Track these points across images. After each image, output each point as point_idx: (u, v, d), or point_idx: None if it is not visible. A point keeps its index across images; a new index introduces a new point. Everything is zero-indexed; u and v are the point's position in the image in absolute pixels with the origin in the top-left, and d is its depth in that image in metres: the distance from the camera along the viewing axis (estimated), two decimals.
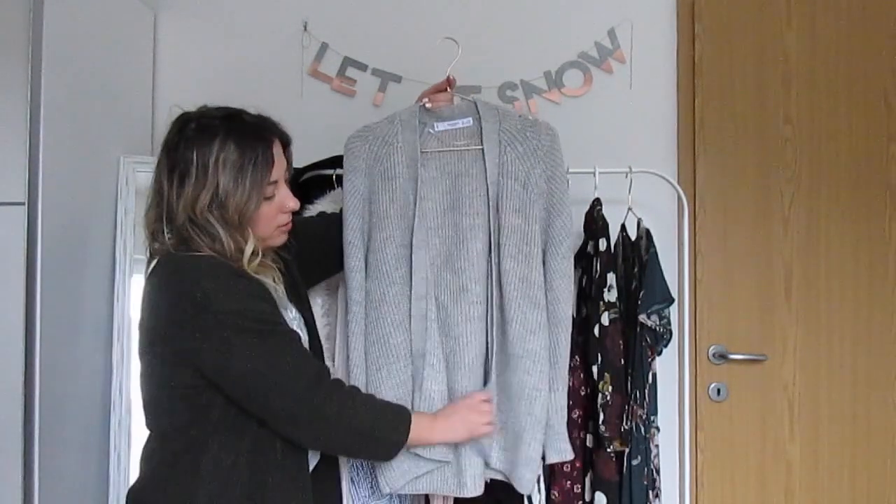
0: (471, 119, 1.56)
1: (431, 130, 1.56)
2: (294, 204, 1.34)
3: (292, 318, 1.39)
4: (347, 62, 2.17)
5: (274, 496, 1.25)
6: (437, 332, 1.48)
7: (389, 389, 1.46)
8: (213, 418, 1.24)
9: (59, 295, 1.67)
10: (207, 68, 2.19)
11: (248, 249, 1.25)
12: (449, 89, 1.60)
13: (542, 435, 1.46)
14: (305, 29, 2.18)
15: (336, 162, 1.89)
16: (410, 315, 1.48)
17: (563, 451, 1.52)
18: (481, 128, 1.54)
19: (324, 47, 2.17)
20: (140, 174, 1.91)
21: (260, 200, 1.26)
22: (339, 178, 1.85)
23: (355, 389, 1.36)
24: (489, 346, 1.50)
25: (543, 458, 1.50)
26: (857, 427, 2.07)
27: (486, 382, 1.49)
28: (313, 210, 1.79)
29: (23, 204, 1.59)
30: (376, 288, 1.49)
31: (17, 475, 1.57)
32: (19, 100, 1.59)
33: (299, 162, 1.84)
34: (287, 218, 1.35)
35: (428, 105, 1.57)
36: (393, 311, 1.48)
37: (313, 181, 1.85)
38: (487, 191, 1.52)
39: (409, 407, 1.44)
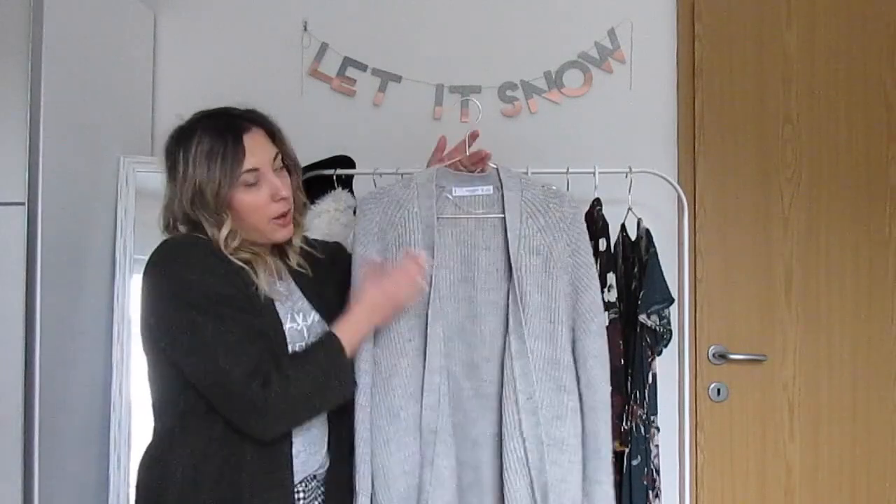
0: (491, 187, 1.50)
1: (449, 196, 1.49)
2: (285, 192, 1.31)
3: (307, 322, 1.37)
4: (347, 62, 2.17)
5: (247, 486, 1.23)
6: (448, 406, 1.42)
7: (397, 463, 1.40)
8: (188, 401, 1.24)
9: (59, 295, 1.67)
10: (207, 68, 2.19)
11: (224, 232, 1.27)
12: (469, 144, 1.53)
13: None
14: (305, 29, 2.18)
15: (336, 162, 1.89)
16: (423, 388, 1.41)
17: None
18: (503, 195, 1.48)
19: (324, 47, 2.17)
20: (140, 174, 1.91)
21: (232, 184, 1.26)
22: (340, 178, 1.86)
23: (284, 371, 1.22)
24: (518, 436, 1.40)
25: None
26: (857, 427, 2.07)
27: (517, 479, 1.40)
28: (316, 209, 1.80)
29: (23, 204, 1.59)
30: (387, 359, 1.42)
31: (17, 475, 1.57)
32: (19, 100, 1.59)
33: (299, 162, 1.84)
34: (281, 208, 1.32)
35: (462, 168, 1.50)
36: (405, 383, 1.41)
37: (313, 181, 1.85)
38: (508, 264, 1.45)
39: (419, 482, 1.40)
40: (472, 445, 1.44)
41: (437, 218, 1.47)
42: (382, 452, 1.40)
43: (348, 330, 1.31)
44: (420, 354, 1.43)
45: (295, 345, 1.31)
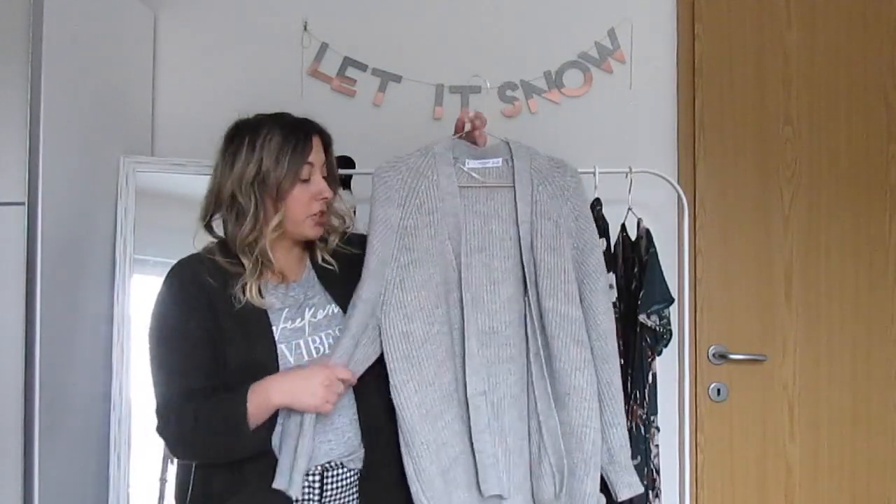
0: (500, 160, 1.55)
1: (462, 167, 1.55)
2: (328, 193, 1.41)
3: (316, 318, 1.41)
4: (347, 62, 2.17)
5: (250, 480, 1.31)
6: (484, 372, 1.48)
7: (438, 433, 1.41)
8: None
9: (59, 295, 1.67)
10: (207, 68, 2.20)
11: (276, 220, 1.36)
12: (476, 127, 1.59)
13: (596, 472, 1.45)
14: (305, 29, 2.18)
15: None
16: (465, 353, 1.46)
17: (632, 485, 1.50)
18: (513, 167, 1.54)
19: (324, 47, 2.17)
20: (140, 174, 1.91)
21: (296, 180, 1.37)
22: (340, 178, 1.86)
23: (187, 415, 1.28)
24: (530, 385, 1.49)
25: (609, 494, 1.50)
26: (857, 427, 2.07)
27: (530, 422, 1.49)
28: None
29: (23, 204, 1.59)
30: (419, 328, 1.43)
31: (18, 475, 1.57)
32: (19, 100, 1.59)
33: None
34: (320, 206, 1.41)
35: (461, 135, 1.56)
36: (438, 350, 1.44)
37: None
38: (518, 231, 1.51)
39: (471, 444, 1.44)
40: (498, 411, 1.48)
41: (458, 187, 1.53)
42: (419, 425, 1.39)
43: (255, 396, 1.27)
44: (446, 322, 1.47)
45: (290, 343, 1.36)
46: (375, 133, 2.15)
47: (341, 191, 1.84)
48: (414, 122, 2.14)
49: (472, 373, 1.45)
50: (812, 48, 2.10)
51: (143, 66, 2.14)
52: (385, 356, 1.41)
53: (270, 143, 1.36)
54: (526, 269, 1.50)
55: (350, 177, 1.92)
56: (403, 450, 1.39)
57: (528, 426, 1.49)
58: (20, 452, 1.57)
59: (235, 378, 1.30)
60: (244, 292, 1.34)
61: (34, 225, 1.60)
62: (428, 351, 1.43)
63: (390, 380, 1.40)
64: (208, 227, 1.42)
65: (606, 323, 1.52)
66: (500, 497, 1.45)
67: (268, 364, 1.33)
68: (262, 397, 1.27)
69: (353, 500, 1.39)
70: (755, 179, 2.10)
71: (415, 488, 1.39)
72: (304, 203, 1.39)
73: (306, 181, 1.39)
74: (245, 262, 1.36)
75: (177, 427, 1.28)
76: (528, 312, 1.50)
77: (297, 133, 1.39)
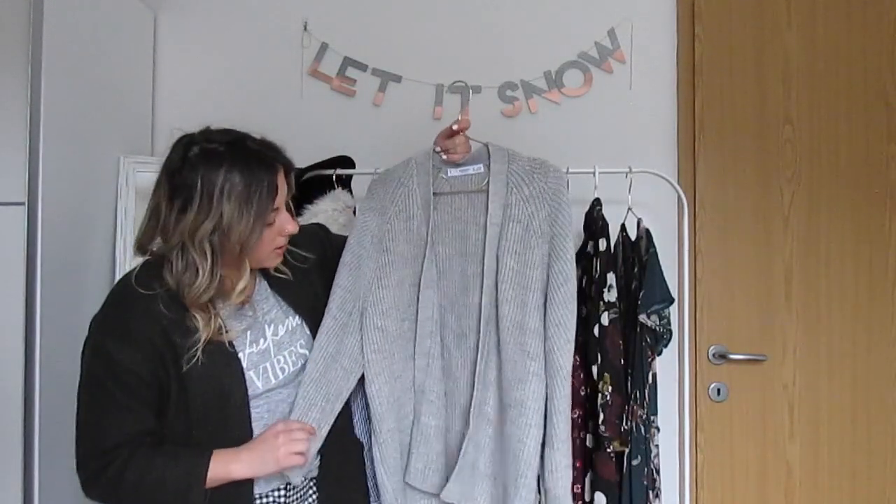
0: (481, 165, 1.57)
1: (444, 176, 1.57)
2: (293, 228, 1.30)
3: (277, 336, 1.35)
4: (347, 62, 2.17)
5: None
6: (439, 370, 1.52)
7: (395, 421, 1.49)
8: (163, 429, 1.26)
9: (59, 295, 1.67)
10: (207, 68, 2.20)
11: (242, 284, 1.24)
12: (462, 134, 1.56)
13: (527, 492, 1.43)
14: (305, 29, 2.18)
15: (337, 162, 1.90)
16: (414, 351, 1.51)
17: None
18: (490, 170, 1.55)
19: (324, 47, 2.17)
20: (140, 174, 1.91)
21: (263, 230, 1.23)
22: (339, 178, 1.86)
23: (125, 469, 1.20)
24: (481, 391, 1.49)
25: None
26: (857, 427, 2.07)
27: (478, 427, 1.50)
28: (313, 209, 1.80)
29: (23, 204, 1.59)
30: (393, 324, 1.50)
31: (17, 475, 1.57)
32: (19, 100, 1.59)
33: (299, 162, 1.83)
34: (284, 240, 1.32)
35: (444, 157, 1.56)
36: (404, 345, 1.51)
37: (313, 181, 1.85)
38: (489, 234, 1.52)
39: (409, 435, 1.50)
40: (462, 413, 1.52)
41: (434, 194, 1.56)
42: (387, 414, 1.47)
43: (216, 467, 1.21)
44: (415, 320, 1.53)
45: (258, 367, 1.30)
46: (375, 133, 2.15)
47: (340, 190, 1.85)
48: (414, 122, 2.14)
49: (419, 369, 1.51)
50: (812, 48, 2.10)
51: (143, 66, 2.14)
52: (363, 349, 1.48)
53: (231, 193, 1.17)
54: (489, 273, 1.50)
55: (350, 177, 1.92)
56: (372, 437, 1.47)
57: (477, 430, 1.50)
58: (20, 452, 1.57)
59: (202, 412, 1.23)
60: (203, 342, 1.21)
61: (34, 225, 1.60)
62: (399, 346, 1.51)
63: (365, 372, 1.47)
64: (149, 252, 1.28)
65: (557, 337, 1.46)
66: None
67: (236, 394, 1.25)
68: (223, 470, 1.21)
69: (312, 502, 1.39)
70: (755, 179, 2.10)
71: (380, 472, 1.46)
72: (269, 242, 1.27)
73: (271, 224, 1.25)
74: (199, 317, 1.21)
75: (117, 471, 1.19)
76: (486, 317, 1.50)
77: (260, 173, 1.20)
